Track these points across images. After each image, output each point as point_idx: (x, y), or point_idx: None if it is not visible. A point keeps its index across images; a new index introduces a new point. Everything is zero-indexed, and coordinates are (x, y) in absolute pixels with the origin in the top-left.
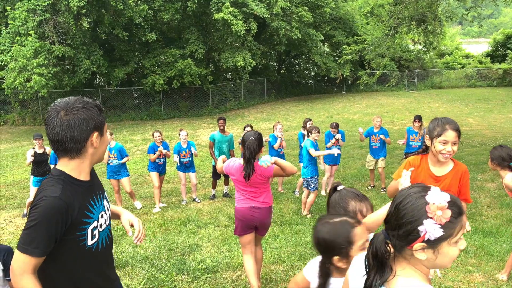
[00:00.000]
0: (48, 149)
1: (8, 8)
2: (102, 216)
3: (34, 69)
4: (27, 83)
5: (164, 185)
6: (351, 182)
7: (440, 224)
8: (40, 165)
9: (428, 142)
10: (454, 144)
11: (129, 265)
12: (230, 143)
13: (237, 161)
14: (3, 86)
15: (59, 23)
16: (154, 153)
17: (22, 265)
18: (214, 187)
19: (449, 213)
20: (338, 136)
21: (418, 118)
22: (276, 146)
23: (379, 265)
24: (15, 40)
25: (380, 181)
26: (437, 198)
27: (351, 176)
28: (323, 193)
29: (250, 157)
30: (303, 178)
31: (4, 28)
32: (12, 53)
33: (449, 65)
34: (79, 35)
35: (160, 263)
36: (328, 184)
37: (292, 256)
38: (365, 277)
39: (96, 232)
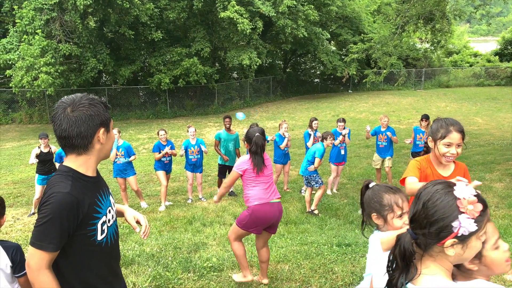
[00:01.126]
0: (54, 148)
1: (15, 7)
2: (109, 211)
3: (41, 68)
4: (34, 81)
5: (170, 184)
6: (357, 181)
7: (473, 218)
8: (45, 164)
9: (431, 144)
10: (459, 146)
11: (135, 262)
12: (236, 141)
13: (248, 162)
14: (10, 85)
15: (66, 22)
16: (159, 152)
17: (39, 261)
18: (219, 185)
19: (480, 206)
20: (345, 131)
21: (425, 117)
22: (282, 146)
23: (405, 265)
24: (23, 39)
25: (386, 180)
26: (466, 193)
27: (357, 176)
28: (328, 192)
29: (260, 151)
30: (303, 176)
31: (11, 27)
32: (20, 52)
33: (456, 64)
34: (85, 34)
35: (166, 261)
36: (334, 183)
37: (298, 255)
38: (386, 276)
39: (105, 227)
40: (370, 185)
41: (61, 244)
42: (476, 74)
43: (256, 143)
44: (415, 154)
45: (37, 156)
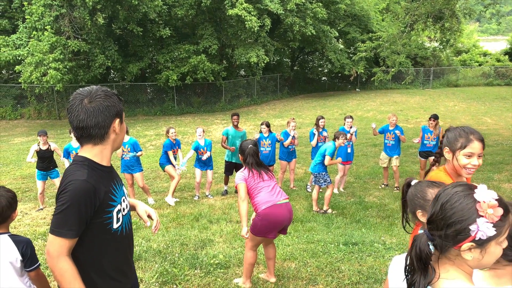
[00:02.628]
0: (53, 146)
1: (25, 3)
2: (123, 201)
3: (50, 64)
4: (43, 77)
5: None
6: (364, 180)
7: (492, 223)
8: (44, 160)
9: (448, 156)
10: (480, 156)
11: (142, 258)
12: (243, 139)
13: (244, 172)
14: (20, 80)
15: (74, 19)
16: (171, 150)
17: (58, 248)
18: (226, 183)
19: (500, 211)
20: (353, 130)
21: (434, 117)
22: (286, 143)
23: (422, 267)
24: (32, 35)
25: (393, 179)
26: (486, 196)
27: (364, 175)
28: (335, 191)
29: (257, 160)
30: (312, 173)
31: (21, 23)
32: (29, 48)
33: (465, 63)
34: (94, 30)
35: (173, 258)
36: (341, 182)
37: (304, 253)
38: (405, 280)
39: (120, 215)
40: (412, 183)
41: (80, 230)
42: (485, 74)
43: (250, 155)
44: (423, 154)
45: (37, 153)
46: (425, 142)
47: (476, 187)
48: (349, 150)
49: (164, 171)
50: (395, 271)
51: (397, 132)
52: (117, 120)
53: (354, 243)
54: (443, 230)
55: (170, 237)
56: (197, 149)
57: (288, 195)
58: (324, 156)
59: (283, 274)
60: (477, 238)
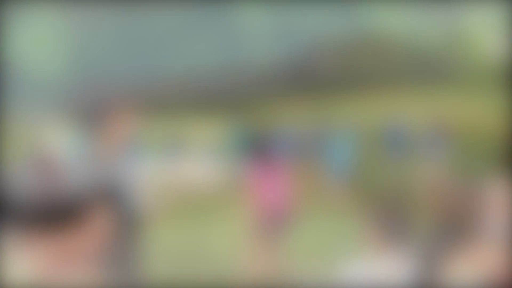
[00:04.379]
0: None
1: None
2: (128, 195)
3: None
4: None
5: None
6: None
7: (498, 225)
8: None
9: None
10: None
11: (144, 255)
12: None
13: (251, 168)
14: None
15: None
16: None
17: None
18: (230, 180)
19: (505, 213)
20: (357, 129)
21: (437, 117)
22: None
23: (432, 259)
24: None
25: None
26: (494, 197)
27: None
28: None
29: (264, 157)
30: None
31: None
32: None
33: (472, 63)
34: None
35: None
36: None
37: (307, 252)
38: (413, 270)
39: (127, 209)
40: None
41: None
42: (492, 73)
43: (256, 152)
44: (427, 154)
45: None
46: (428, 145)
47: (489, 193)
48: (351, 151)
49: None
50: (401, 263)
51: (399, 133)
52: (123, 114)
53: (358, 242)
54: (451, 227)
55: (173, 234)
56: None
57: (291, 193)
58: (334, 156)
59: (286, 271)
60: (483, 237)
